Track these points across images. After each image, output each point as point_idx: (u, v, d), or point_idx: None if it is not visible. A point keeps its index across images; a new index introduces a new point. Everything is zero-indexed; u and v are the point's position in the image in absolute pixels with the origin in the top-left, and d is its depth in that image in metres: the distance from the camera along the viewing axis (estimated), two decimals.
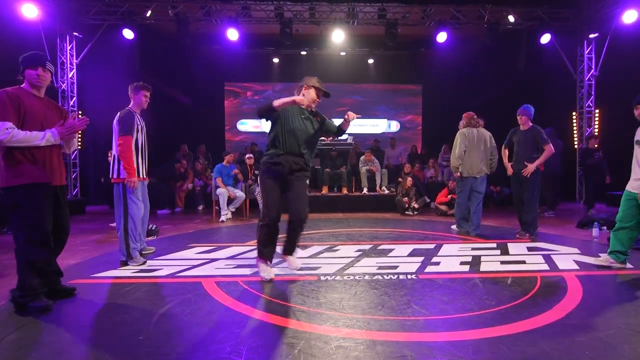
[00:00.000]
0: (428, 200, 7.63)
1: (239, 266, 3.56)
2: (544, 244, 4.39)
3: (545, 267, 3.49)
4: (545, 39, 7.84)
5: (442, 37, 8.06)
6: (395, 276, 3.20)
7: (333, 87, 12.32)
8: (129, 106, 3.70)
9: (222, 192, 6.50)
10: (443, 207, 6.85)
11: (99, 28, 8.24)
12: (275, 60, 11.71)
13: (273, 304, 2.59)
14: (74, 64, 8.32)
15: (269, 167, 3.06)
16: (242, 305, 2.56)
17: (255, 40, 10.62)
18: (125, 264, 3.57)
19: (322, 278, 3.17)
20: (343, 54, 11.26)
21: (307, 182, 3.36)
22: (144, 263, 3.61)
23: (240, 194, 6.65)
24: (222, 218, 6.42)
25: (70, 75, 8.24)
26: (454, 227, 5.46)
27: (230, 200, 6.59)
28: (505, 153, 5.05)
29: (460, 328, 2.21)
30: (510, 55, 9.09)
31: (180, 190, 7.91)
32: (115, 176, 3.56)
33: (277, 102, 2.95)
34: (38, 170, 2.51)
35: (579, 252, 4.02)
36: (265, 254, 3.13)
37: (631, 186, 3.30)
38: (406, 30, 10.03)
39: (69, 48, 8.19)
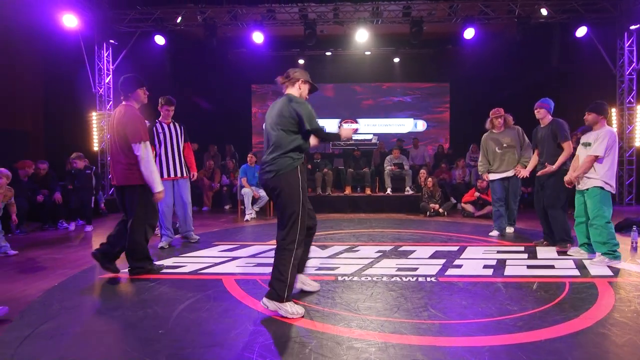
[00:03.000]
0: (454, 201, 7.44)
1: (258, 264, 3.63)
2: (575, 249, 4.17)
3: (576, 272, 3.31)
4: (581, 32, 7.43)
5: (469, 33, 7.83)
6: (414, 278, 3.15)
7: (358, 87, 12.42)
8: (159, 118, 4.39)
9: (247, 192, 6.64)
10: (469, 208, 6.66)
11: (133, 35, 8.62)
12: (301, 61, 11.79)
13: None
14: (110, 70, 8.75)
15: (301, 173, 2.52)
16: (258, 303, 2.61)
17: (281, 42, 10.76)
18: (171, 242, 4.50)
19: (340, 278, 3.17)
20: (368, 53, 11.19)
21: None
22: (163, 248, 4.35)
23: (264, 194, 6.76)
24: (247, 217, 6.55)
25: (107, 81, 8.68)
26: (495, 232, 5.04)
27: (254, 200, 6.71)
28: (535, 155, 4.51)
29: (478, 334, 2.15)
30: (542, 51, 8.69)
31: (207, 190, 8.14)
32: None
33: (344, 134, 2.73)
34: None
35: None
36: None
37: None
38: (432, 27, 9.81)
39: (105, 55, 8.62)
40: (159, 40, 8.40)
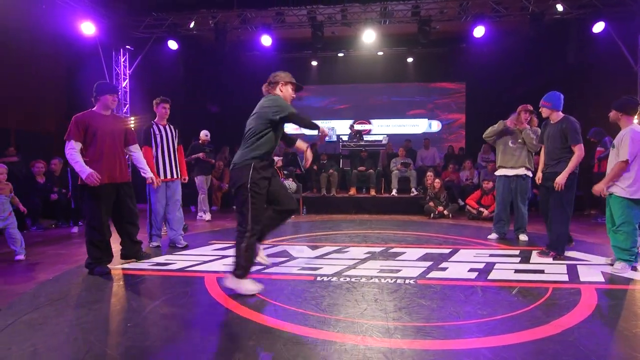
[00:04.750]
0: (462, 203, 7.27)
1: None
2: (575, 253, 4.01)
3: (565, 278, 3.20)
4: (599, 27, 7.09)
5: (479, 31, 7.64)
6: (393, 280, 3.14)
7: (372, 88, 12.35)
8: (154, 119, 4.41)
9: None
10: (473, 210, 6.50)
11: (148, 41, 8.96)
12: (314, 63, 11.92)
13: (256, 300, 2.68)
14: (127, 75, 9.14)
15: (261, 174, 2.71)
16: (230, 300, 2.69)
17: (293, 44, 10.88)
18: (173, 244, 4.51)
19: (319, 279, 3.20)
20: (380, 53, 11.14)
21: None
22: (157, 246, 4.39)
23: None
24: None
25: (123, 85, 9.06)
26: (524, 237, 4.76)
27: None
28: (542, 154, 4.17)
29: (434, 337, 2.13)
30: (558, 47, 8.36)
31: (217, 191, 8.33)
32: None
33: (322, 131, 2.86)
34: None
35: (611, 263, 3.62)
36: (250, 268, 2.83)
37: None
38: (445, 26, 9.65)
39: (122, 60, 9.01)
40: (172, 45, 8.69)
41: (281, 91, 2.87)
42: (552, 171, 3.85)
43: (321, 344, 2.04)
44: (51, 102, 8.87)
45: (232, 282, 2.76)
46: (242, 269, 2.73)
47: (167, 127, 4.43)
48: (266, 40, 8.47)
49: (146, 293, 2.88)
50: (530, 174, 4.72)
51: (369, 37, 8.31)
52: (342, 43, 10.74)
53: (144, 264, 3.69)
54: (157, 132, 4.34)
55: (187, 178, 4.69)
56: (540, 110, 3.99)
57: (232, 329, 2.24)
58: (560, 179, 3.69)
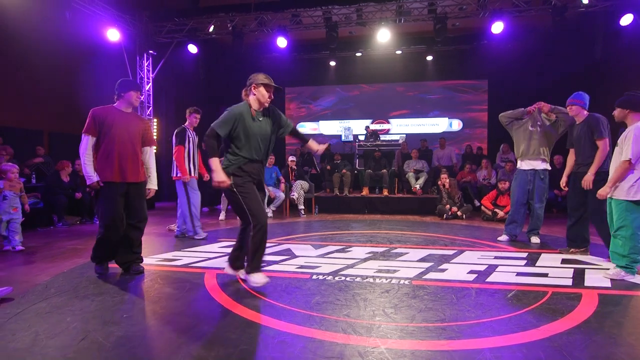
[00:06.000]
0: (478, 204, 7.10)
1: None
2: (587, 257, 3.86)
3: (568, 282, 3.09)
4: (627, 20, 6.73)
5: (497, 27, 7.43)
6: (388, 280, 3.14)
7: (391, 87, 12.24)
8: (185, 124, 4.89)
9: None
10: (488, 211, 6.34)
11: (169, 45, 9.30)
12: (332, 63, 11.96)
13: (248, 296, 2.76)
14: (150, 78, 9.52)
15: (241, 173, 2.82)
16: (223, 295, 2.79)
17: (312, 45, 10.98)
18: (183, 235, 5.00)
19: (314, 277, 3.25)
20: (399, 52, 11.03)
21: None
22: (205, 238, 4.88)
23: (280, 194, 6.98)
24: None
25: (147, 88, 9.44)
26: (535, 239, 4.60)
27: (270, 200, 6.95)
28: (570, 156, 4.03)
29: (414, 337, 2.12)
30: (583, 42, 7.99)
31: None
32: (174, 175, 4.83)
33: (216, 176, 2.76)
34: (109, 172, 3.19)
35: None
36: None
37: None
38: (466, 23, 9.47)
39: (146, 64, 9.39)
40: (192, 49, 9.00)
41: (254, 94, 2.85)
42: (584, 171, 3.74)
43: (300, 340, 2.09)
44: (80, 104, 9.36)
45: (256, 277, 2.89)
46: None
47: (194, 132, 4.92)
48: (281, 42, 8.59)
49: (148, 287, 3.02)
50: (548, 167, 4.51)
51: (383, 36, 8.26)
52: (360, 43, 10.73)
53: (151, 259, 3.87)
54: (190, 135, 4.84)
55: (208, 176, 5.00)
56: (568, 109, 3.92)
57: (218, 322, 2.33)
58: (588, 177, 3.62)
